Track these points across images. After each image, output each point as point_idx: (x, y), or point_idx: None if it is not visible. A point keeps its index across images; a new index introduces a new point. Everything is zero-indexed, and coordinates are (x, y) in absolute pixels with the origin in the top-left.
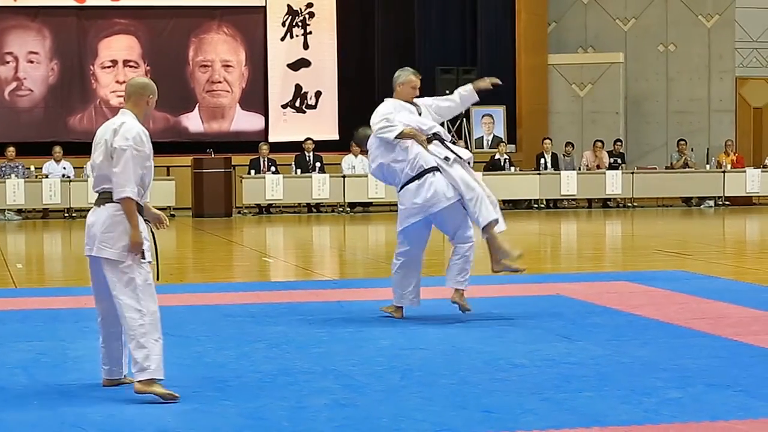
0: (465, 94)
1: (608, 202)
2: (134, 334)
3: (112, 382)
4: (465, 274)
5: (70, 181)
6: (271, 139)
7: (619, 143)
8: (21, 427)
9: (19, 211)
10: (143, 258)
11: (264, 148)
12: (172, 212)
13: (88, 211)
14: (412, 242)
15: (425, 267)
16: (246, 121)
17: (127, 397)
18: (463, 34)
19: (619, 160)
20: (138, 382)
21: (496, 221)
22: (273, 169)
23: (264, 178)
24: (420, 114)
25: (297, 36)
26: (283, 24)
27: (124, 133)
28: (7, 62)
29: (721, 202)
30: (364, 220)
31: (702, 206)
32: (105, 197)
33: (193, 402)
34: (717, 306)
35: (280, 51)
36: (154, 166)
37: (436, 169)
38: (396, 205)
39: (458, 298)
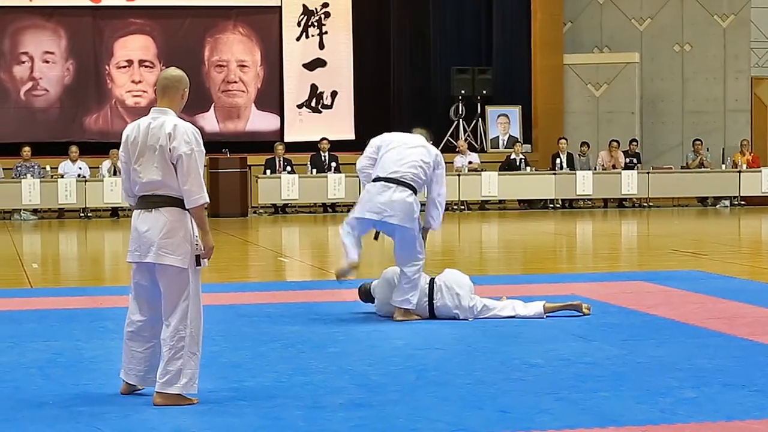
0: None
1: (624, 202)
2: (173, 344)
3: (130, 388)
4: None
5: (86, 181)
6: (287, 139)
7: (634, 143)
8: (37, 426)
9: (34, 211)
10: (198, 264)
11: (279, 148)
12: None
13: (104, 211)
14: None
15: (435, 267)
16: (261, 121)
17: (142, 397)
18: (478, 34)
19: (635, 160)
20: (158, 393)
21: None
22: (288, 168)
23: (280, 177)
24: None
25: (313, 36)
26: (299, 24)
27: (182, 136)
28: (23, 62)
29: (736, 202)
30: None
31: (717, 206)
32: (157, 201)
33: (209, 401)
34: (733, 306)
35: (295, 51)
36: None
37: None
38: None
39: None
